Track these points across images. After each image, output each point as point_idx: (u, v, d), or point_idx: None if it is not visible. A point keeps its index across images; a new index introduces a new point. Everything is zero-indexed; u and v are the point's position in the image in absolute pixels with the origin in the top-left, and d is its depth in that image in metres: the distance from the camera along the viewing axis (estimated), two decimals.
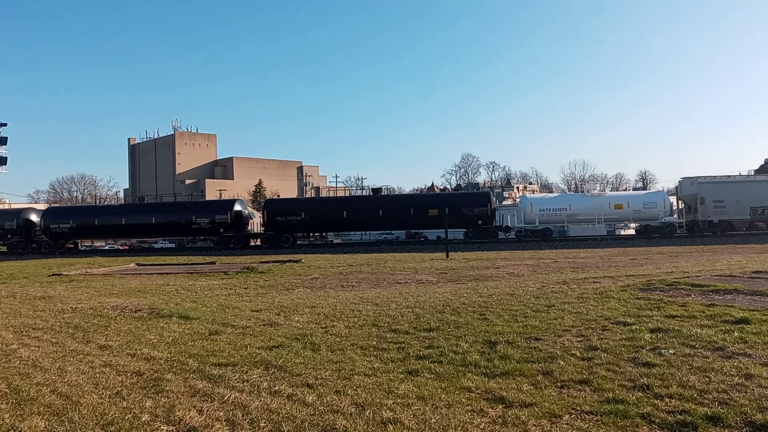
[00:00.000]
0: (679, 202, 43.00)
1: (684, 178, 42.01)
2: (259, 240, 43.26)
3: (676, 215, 41.91)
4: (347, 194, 58.82)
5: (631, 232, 44.87)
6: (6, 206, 69.29)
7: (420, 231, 46.44)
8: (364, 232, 47.48)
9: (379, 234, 48.23)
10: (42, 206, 57.21)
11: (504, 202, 66.18)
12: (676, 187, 45.62)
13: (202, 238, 48.50)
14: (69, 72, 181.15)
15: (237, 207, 43.47)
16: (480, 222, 40.37)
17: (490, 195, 45.25)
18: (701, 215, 39.24)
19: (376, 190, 45.52)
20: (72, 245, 46.21)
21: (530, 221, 40.49)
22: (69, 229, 44.71)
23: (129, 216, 45.45)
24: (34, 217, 46.63)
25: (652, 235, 38.87)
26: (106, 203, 56.19)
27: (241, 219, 43.27)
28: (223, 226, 41.88)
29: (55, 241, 44.83)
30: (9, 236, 45.75)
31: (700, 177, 40.41)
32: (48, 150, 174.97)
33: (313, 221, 42.27)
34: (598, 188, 44.22)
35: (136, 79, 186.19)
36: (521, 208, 42.16)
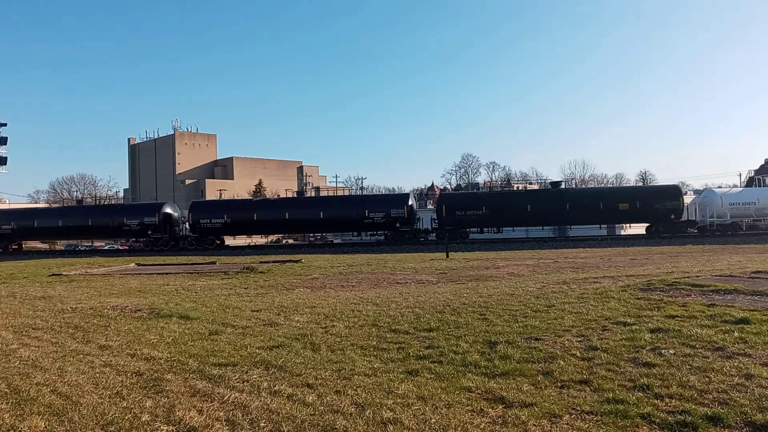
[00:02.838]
0: None
1: None
2: (434, 234, 41.87)
3: None
4: (347, 193, 58.44)
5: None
6: (6, 206, 68.70)
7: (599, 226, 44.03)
8: (542, 228, 44.46)
9: (555, 229, 45.11)
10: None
11: None
12: None
13: (372, 232, 46.13)
14: (69, 72, 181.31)
15: (410, 201, 42.81)
16: (673, 216, 39.52)
17: (681, 189, 44.02)
18: None
19: (555, 184, 43.58)
20: (218, 242, 43.60)
21: (721, 215, 39.71)
22: (222, 224, 42.32)
23: (294, 210, 42.97)
24: (171, 211, 44.35)
25: None
26: (106, 203, 54.57)
27: (414, 214, 42.61)
28: (399, 220, 40.86)
29: (204, 237, 42.28)
30: (149, 232, 42.64)
31: None
32: (48, 150, 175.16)
33: (495, 216, 40.74)
34: None
35: (136, 80, 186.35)
36: (710, 202, 40.97)
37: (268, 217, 42.95)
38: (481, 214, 40.59)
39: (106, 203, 53.68)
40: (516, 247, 33.07)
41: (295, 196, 47.64)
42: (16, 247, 47.19)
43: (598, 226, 43.96)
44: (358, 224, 42.37)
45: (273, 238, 59.43)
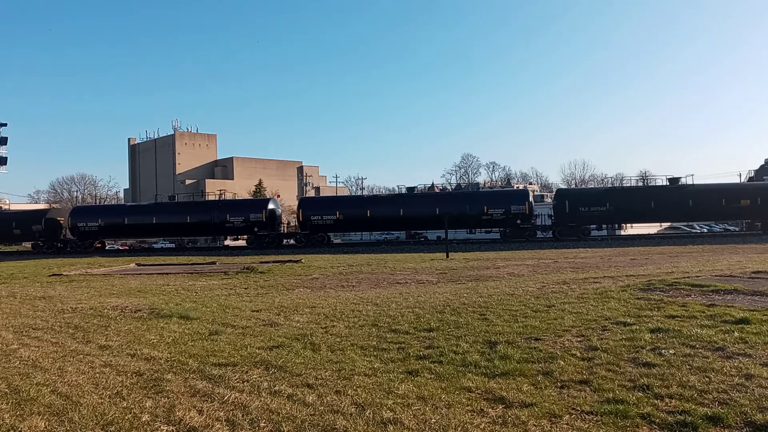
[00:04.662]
0: None
1: None
2: (551, 232, 41.66)
3: None
4: (348, 193, 57.98)
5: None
6: (6, 206, 67.68)
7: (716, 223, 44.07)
8: (660, 224, 43.88)
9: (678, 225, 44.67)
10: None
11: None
12: None
13: (488, 229, 45.50)
14: (69, 72, 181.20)
15: (530, 197, 42.77)
16: None
17: None
18: None
19: (674, 180, 42.65)
20: (327, 239, 43.40)
21: None
22: (334, 221, 42.17)
23: (408, 206, 42.55)
24: (274, 207, 43.80)
25: None
26: (204, 199, 51.12)
27: (533, 210, 42.55)
28: (520, 217, 40.60)
29: (314, 234, 42.00)
30: (255, 229, 42.01)
31: None
32: (48, 150, 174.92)
33: (618, 212, 40.52)
34: None
35: (137, 80, 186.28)
36: None
37: (382, 214, 42.29)
38: (604, 211, 40.15)
39: (204, 199, 50.89)
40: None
41: (406, 192, 46.54)
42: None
43: (714, 222, 43.31)
44: (476, 221, 41.65)
45: None
